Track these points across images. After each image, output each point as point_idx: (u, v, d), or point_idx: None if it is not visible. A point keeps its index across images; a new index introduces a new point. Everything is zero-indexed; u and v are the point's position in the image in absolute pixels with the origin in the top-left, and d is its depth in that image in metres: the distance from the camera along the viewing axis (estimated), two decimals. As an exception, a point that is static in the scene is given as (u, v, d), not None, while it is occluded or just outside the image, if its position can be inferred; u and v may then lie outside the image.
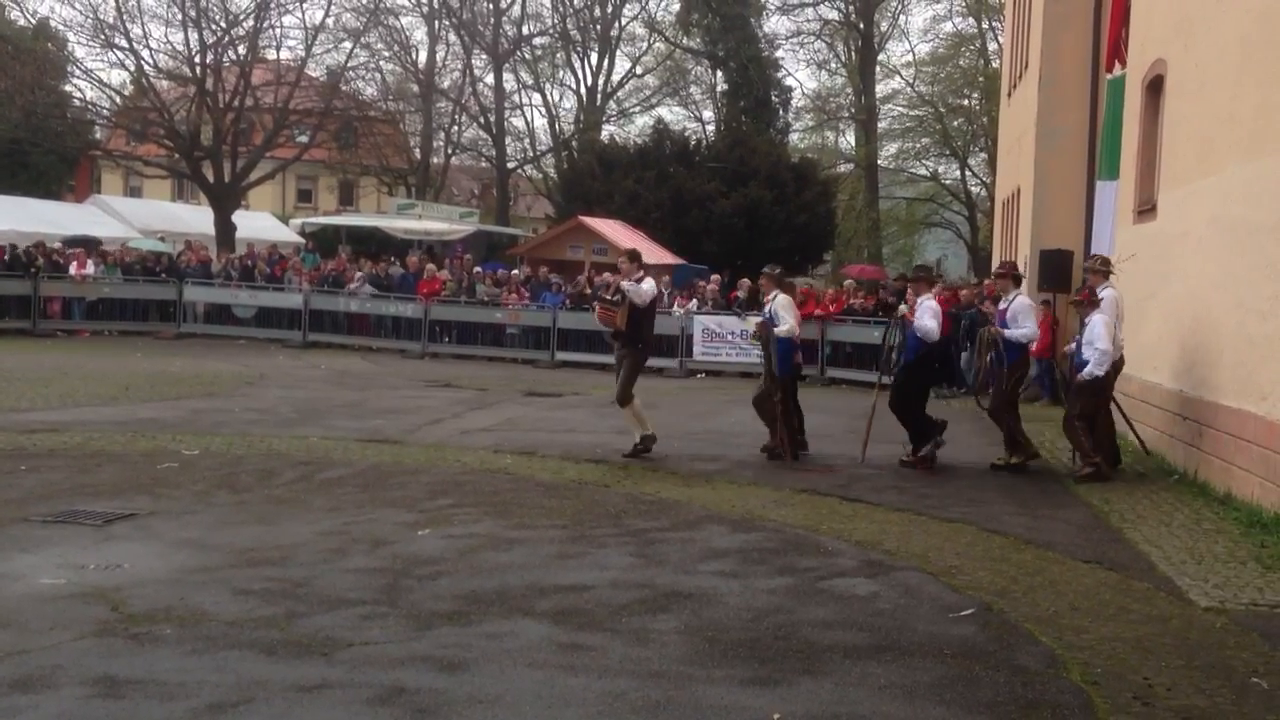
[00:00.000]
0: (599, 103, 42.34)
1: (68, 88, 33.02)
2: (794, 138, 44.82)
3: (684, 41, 42.60)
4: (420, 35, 40.01)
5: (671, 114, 44.47)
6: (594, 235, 27.78)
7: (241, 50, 30.60)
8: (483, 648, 5.54)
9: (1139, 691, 5.26)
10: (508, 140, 41.38)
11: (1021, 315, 11.44)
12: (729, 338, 21.16)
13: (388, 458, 10.80)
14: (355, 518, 8.28)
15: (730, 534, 8.25)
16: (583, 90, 42.43)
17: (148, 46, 30.22)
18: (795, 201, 32.86)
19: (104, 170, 46.51)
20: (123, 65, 30.76)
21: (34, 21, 32.18)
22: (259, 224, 35.85)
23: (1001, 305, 11.90)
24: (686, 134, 38.82)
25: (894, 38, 45.78)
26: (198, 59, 29.77)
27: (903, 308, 12.19)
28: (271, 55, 32.52)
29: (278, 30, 32.14)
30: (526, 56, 41.30)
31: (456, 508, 8.78)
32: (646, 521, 8.53)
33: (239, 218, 31.70)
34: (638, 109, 44.54)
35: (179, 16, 29.55)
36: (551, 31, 41.33)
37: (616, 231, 28.42)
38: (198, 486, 9.15)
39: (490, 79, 40.55)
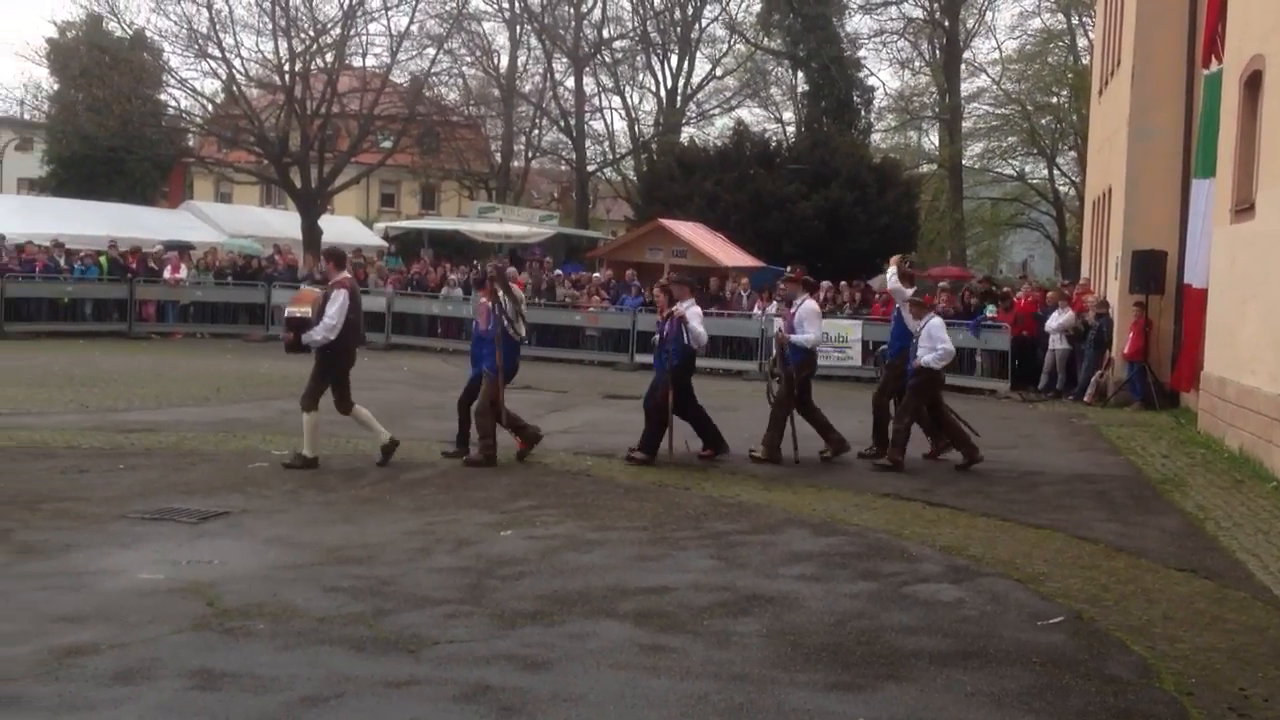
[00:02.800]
0: (679, 105, 42.35)
1: (162, 96, 33.95)
2: (876, 138, 44.40)
3: (765, 42, 42.43)
4: (502, 40, 40.45)
5: (751, 115, 44.32)
6: (674, 238, 27.80)
7: (329, 58, 31.20)
8: (566, 648, 5.58)
9: (1235, 702, 5.13)
10: (587, 143, 41.60)
11: (807, 320, 11.54)
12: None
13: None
14: (439, 518, 8.39)
15: (811, 538, 8.20)
16: (662, 92, 42.49)
17: (239, 55, 30.98)
18: (877, 203, 32.53)
19: (196, 176, 47.70)
20: (215, 74, 31.54)
21: (131, 33, 33.09)
22: (344, 228, 36.50)
23: (790, 310, 11.95)
24: (767, 135, 38.64)
25: (980, 35, 44.96)
26: (287, 67, 30.41)
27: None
28: (357, 63, 33.11)
29: (364, 38, 32.64)
30: (607, 59, 41.47)
31: (538, 509, 8.85)
32: (727, 524, 8.51)
33: (324, 222, 32.31)
34: (718, 111, 44.49)
35: (269, 26, 30.23)
36: (632, 34, 41.47)
37: (696, 234, 28.40)
38: (287, 486, 9.34)
39: (571, 82, 40.84)
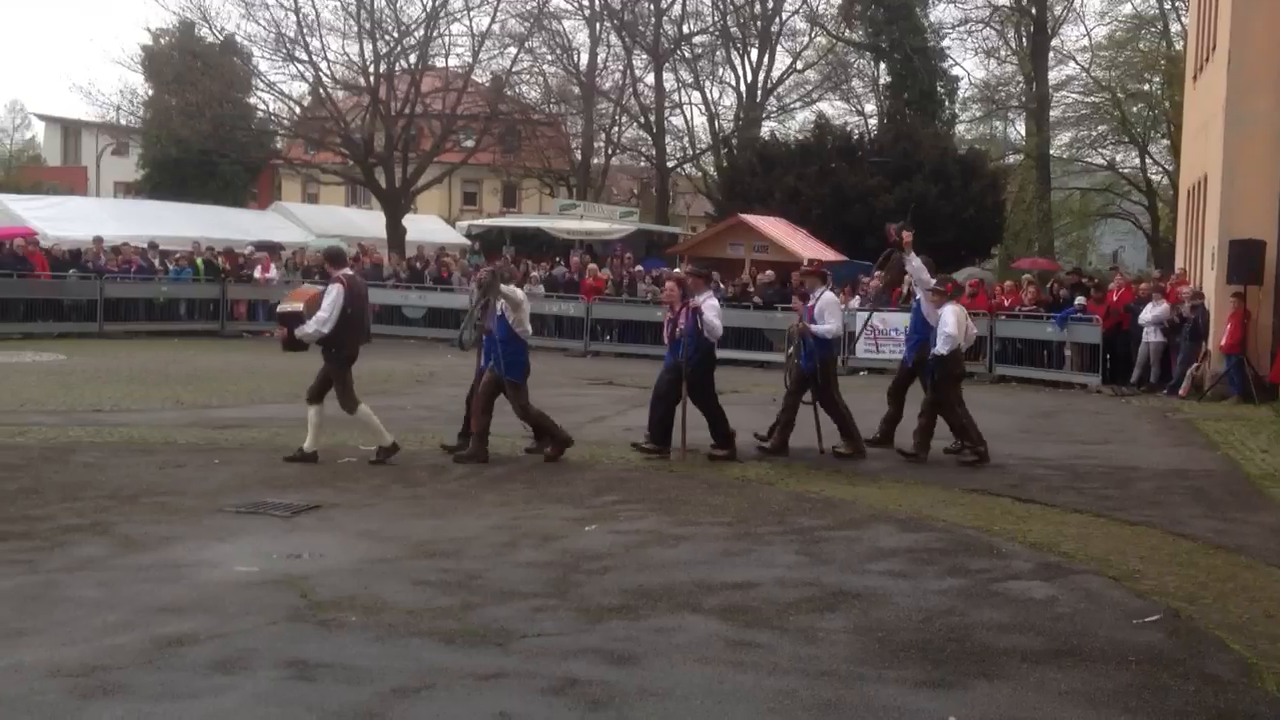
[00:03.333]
0: (759, 99, 42.10)
1: (252, 100, 34.72)
2: (961, 129, 43.67)
3: (846, 34, 42.00)
4: (582, 38, 40.52)
5: (833, 108, 43.87)
6: (754, 233, 27.68)
7: (412, 59, 31.62)
8: (652, 642, 5.59)
9: (1344, 706, 4.96)
10: (667, 139, 41.53)
11: (828, 311, 11.40)
12: (893, 335, 20.77)
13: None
14: (524, 513, 8.47)
15: (898, 533, 8.11)
16: (742, 87, 42.26)
17: (325, 58, 31.55)
18: (962, 195, 32.03)
19: (284, 178, 48.71)
20: (302, 77, 32.17)
21: (222, 38, 33.88)
22: (427, 227, 36.99)
23: (810, 302, 11.71)
24: (848, 128, 38.25)
25: (1068, 21, 43.99)
26: (371, 69, 30.89)
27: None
28: (440, 63, 33.50)
29: (446, 38, 32.98)
30: (686, 55, 41.36)
31: (622, 504, 8.88)
32: (811, 520, 8.46)
33: (408, 221, 32.77)
34: (798, 104, 44.14)
35: (355, 29, 30.73)
36: (712, 29, 41.30)
37: (777, 229, 28.24)
38: (375, 481, 9.50)
39: (650, 79, 40.81)
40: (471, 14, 32.31)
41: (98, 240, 24.37)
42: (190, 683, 4.89)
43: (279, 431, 11.80)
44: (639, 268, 25.80)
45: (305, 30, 30.43)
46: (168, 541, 7.30)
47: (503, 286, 10.49)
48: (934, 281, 11.51)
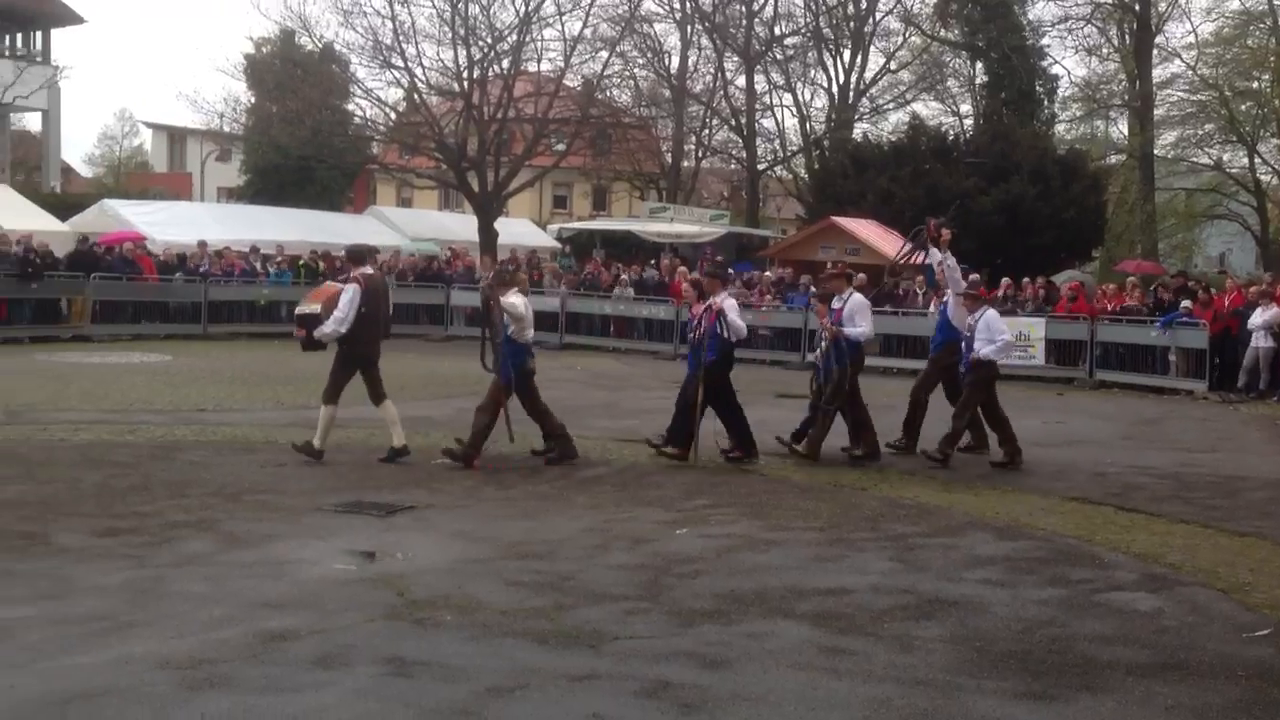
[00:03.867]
0: (851, 100, 41.67)
1: (349, 106, 35.39)
2: (1060, 129, 42.60)
3: (941, 34, 41.37)
4: (673, 41, 40.49)
5: (927, 109, 43.20)
6: (846, 236, 27.42)
7: (505, 64, 31.93)
8: (744, 647, 5.56)
9: None
10: (758, 141, 41.32)
11: (858, 313, 11.17)
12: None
13: (644, 457, 10.99)
14: (615, 515, 8.50)
15: (995, 541, 7.96)
16: (835, 88, 41.85)
17: (420, 65, 31.98)
18: (1062, 196, 31.30)
19: (379, 182, 49.56)
20: (398, 83, 32.67)
21: (320, 46, 34.62)
22: (519, 230, 37.32)
23: (836, 304, 11.39)
24: (943, 129, 37.63)
25: (1173, 18, 42.61)
26: (465, 74, 31.28)
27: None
28: (532, 68, 33.78)
29: (539, 43, 33.23)
30: (778, 57, 41.11)
31: (713, 508, 8.87)
32: (906, 526, 8.35)
33: (500, 224, 33.09)
34: (891, 105, 43.56)
35: (449, 35, 31.13)
36: (804, 30, 41.00)
37: (869, 231, 27.93)
38: (468, 482, 9.62)
39: (741, 81, 40.61)
40: (564, 19, 32.53)
41: (202, 244, 25.06)
42: (293, 677, 5.00)
43: (374, 432, 11.99)
44: (729, 271, 25.70)
45: (401, 37, 30.92)
46: (269, 539, 7.47)
47: (503, 300, 10.37)
48: (966, 284, 11.35)
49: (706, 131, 42.48)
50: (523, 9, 31.19)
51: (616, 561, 7.17)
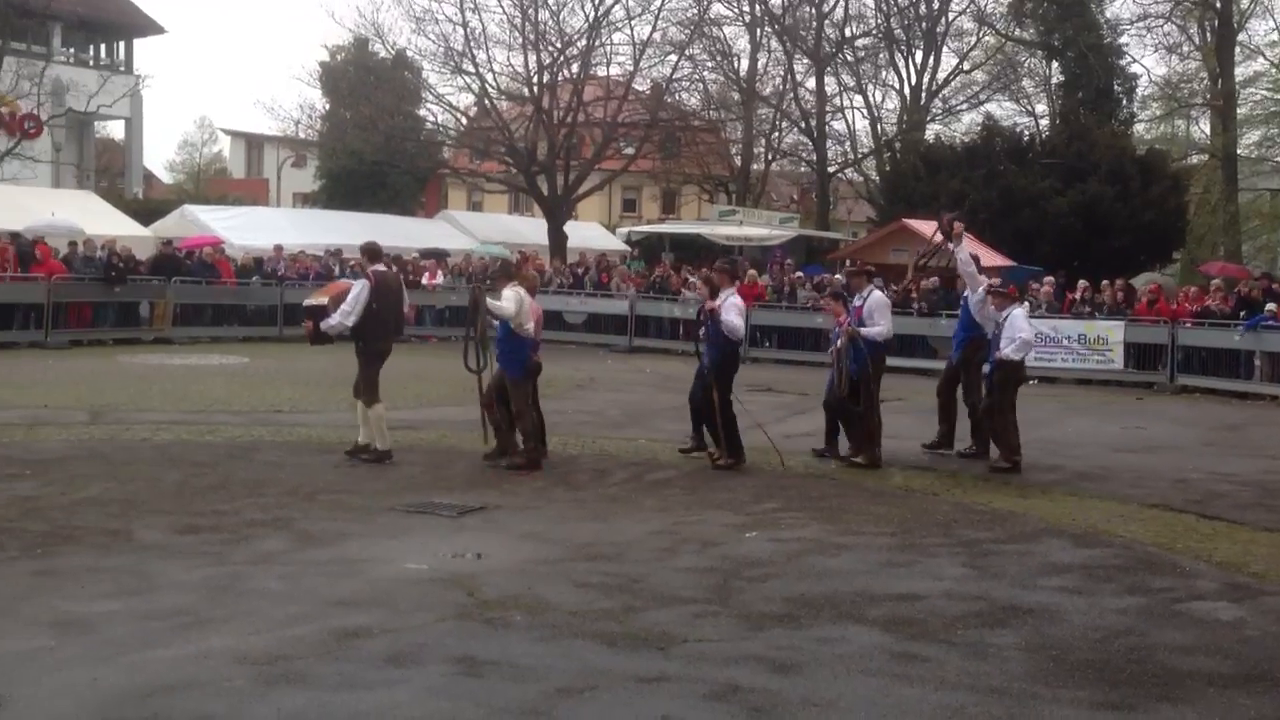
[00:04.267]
0: (923, 101, 41.23)
1: (421, 112, 35.86)
2: (1139, 128, 41.75)
3: (1016, 33, 40.77)
4: (742, 44, 40.37)
5: (1001, 109, 42.54)
6: (918, 238, 27.03)
7: (575, 68, 32.11)
8: (814, 651, 5.52)
9: None
10: (828, 143, 41.04)
11: (877, 312, 10.92)
12: (1064, 342, 20.07)
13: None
14: (684, 518, 8.48)
15: (1072, 548, 7.81)
16: (906, 90, 41.44)
17: (491, 70, 32.32)
18: (1141, 197, 30.66)
19: (450, 187, 50.09)
20: (469, 89, 33.04)
21: (393, 53, 35.10)
22: (588, 233, 37.49)
23: (856, 302, 11.14)
24: (1018, 129, 37.07)
25: (1256, 15, 41.54)
26: (535, 79, 31.51)
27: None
28: (602, 72, 33.92)
29: (608, 48, 33.39)
30: (849, 58, 40.82)
31: (782, 511, 8.82)
32: (979, 532, 8.23)
33: (569, 228, 33.28)
34: (965, 106, 43.01)
35: (520, 41, 31.39)
36: (875, 31, 40.67)
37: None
38: (538, 484, 9.67)
39: (811, 83, 40.37)
40: (633, 23, 32.64)
41: (277, 248, 25.51)
42: (366, 674, 5.06)
43: (445, 434, 12.14)
44: (799, 274, 25.59)
45: (472, 43, 31.26)
46: (343, 538, 7.58)
47: (489, 302, 10.30)
48: (987, 280, 11.22)
49: (776, 134, 42.30)
50: (592, 14, 31.38)
51: (685, 564, 7.16)
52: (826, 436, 11.35)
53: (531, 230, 36.16)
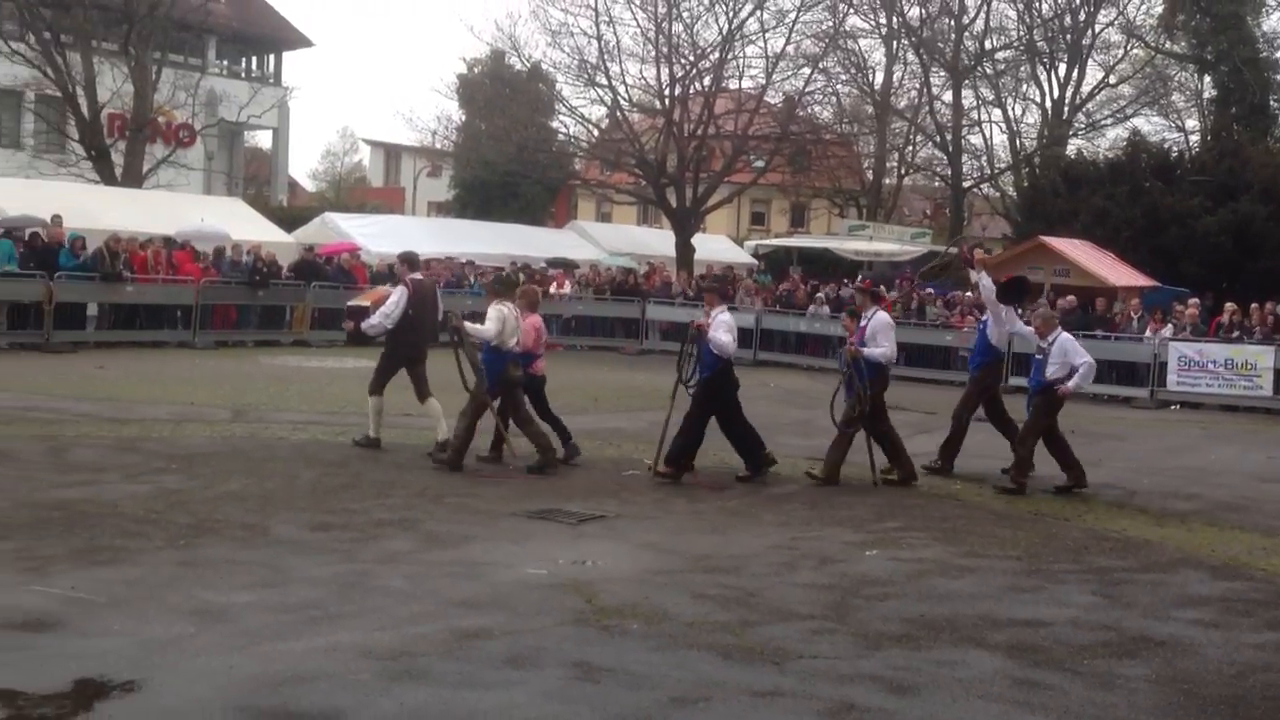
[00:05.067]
0: (1065, 116, 40.12)
1: (554, 124, 36.43)
2: (1295, 146, 39.91)
3: (1166, 45, 39.38)
4: (878, 57, 39.92)
5: (1149, 125, 41.09)
6: (1056, 256, 26.37)
7: (707, 81, 32.21)
8: (933, 674, 5.44)
9: None
10: (964, 158, 40.28)
11: (880, 333, 10.69)
12: (1209, 367, 19.30)
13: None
14: (803, 534, 8.43)
15: (1209, 580, 7.52)
16: (1048, 103, 40.36)
17: (624, 83, 32.66)
18: (1297, 216, 29.28)
19: (580, 197, 50.74)
20: (601, 101, 33.45)
21: (528, 66, 35.76)
22: (715, 246, 37.52)
23: (862, 322, 10.76)
24: (1166, 145, 35.79)
25: None
26: (667, 92, 31.71)
27: (698, 319, 10.94)
28: (734, 85, 33.94)
29: (740, 61, 33.41)
30: (988, 71, 39.98)
31: (904, 531, 8.69)
32: (1111, 560, 7.98)
33: (697, 240, 33.35)
34: (1109, 121, 41.68)
35: (653, 53, 31.64)
36: (1016, 44, 39.75)
37: (1081, 252, 26.78)
38: (657, 494, 9.72)
39: (948, 96, 39.69)
40: (766, 36, 32.60)
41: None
42: (485, 674, 5.17)
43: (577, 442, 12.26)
44: (929, 290, 25.15)
45: (606, 56, 31.64)
46: (466, 540, 7.75)
47: (468, 327, 10.61)
48: (1004, 307, 11.11)
49: (910, 148, 41.71)
50: (726, 27, 31.44)
51: (803, 580, 7.12)
52: (944, 450, 11.20)
53: (659, 242, 36.36)
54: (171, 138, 35.59)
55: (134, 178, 30.45)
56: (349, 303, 11.93)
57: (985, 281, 11.38)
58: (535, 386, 11.22)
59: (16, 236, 19.87)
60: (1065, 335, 10.88)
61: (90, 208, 24.18)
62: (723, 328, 10.43)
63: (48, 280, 18.77)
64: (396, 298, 11.11)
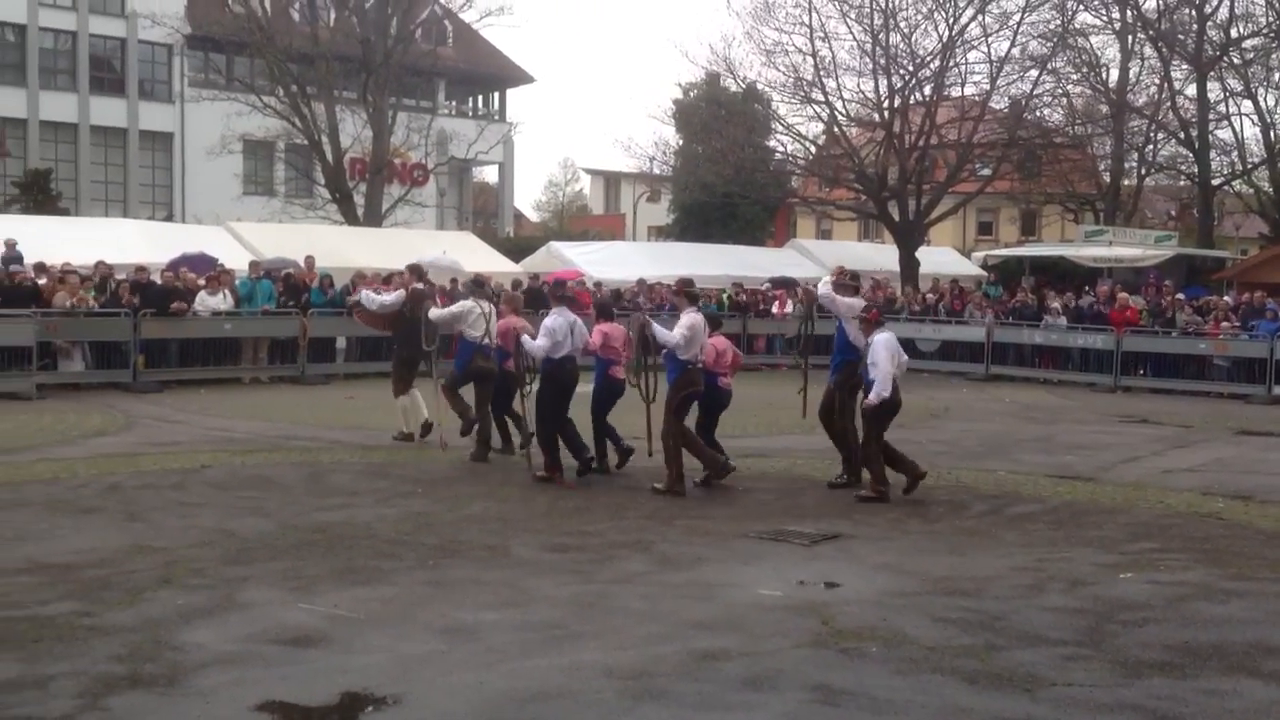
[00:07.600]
0: (1326, 103, 37.12)
1: (770, 143, 36.34)
2: None
3: None
4: (1112, 53, 37.96)
5: None
6: (1318, 253, 24.42)
7: (927, 90, 31.48)
8: (1201, 704, 5.10)
9: None
10: (1212, 154, 37.76)
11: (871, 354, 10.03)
12: None
13: (1081, 495, 10.38)
14: (1049, 555, 8.07)
15: None
16: (1305, 91, 37.47)
17: (840, 97, 32.27)
18: None
19: (799, 216, 50.46)
20: (818, 117, 33.16)
21: (744, 86, 35.87)
22: (941, 259, 36.54)
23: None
24: None
25: None
26: (886, 104, 31.16)
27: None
28: (956, 92, 33.05)
29: (963, 67, 32.45)
30: (1235, 61, 37.40)
31: (1161, 552, 8.19)
32: (1402, 584, 7.27)
33: (921, 253, 32.56)
34: (1374, 105, 38.35)
35: (870, 66, 31.17)
36: (1267, 30, 37.07)
37: (1348, 247, 24.69)
38: (891, 515, 9.50)
39: (1191, 90, 37.33)
40: (990, 40, 31.58)
41: (640, 282, 26.65)
42: (725, 695, 5.17)
43: (796, 461, 12.20)
44: (1179, 296, 23.69)
45: (822, 72, 31.37)
46: (699, 562, 7.78)
47: (433, 311, 12.12)
48: (861, 306, 10.47)
49: (1150, 147, 39.47)
50: (946, 34, 30.67)
51: (1052, 604, 6.80)
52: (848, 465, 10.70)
53: (882, 257, 35.69)
54: (406, 177, 37.58)
55: (374, 217, 32.31)
56: (358, 300, 14.04)
57: (824, 290, 11.05)
58: (720, 402, 11.22)
59: (275, 277, 21.38)
60: (877, 338, 10.03)
61: (336, 247, 25.82)
62: (683, 327, 10.40)
63: (302, 316, 20.10)
64: (396, 296, 13.04)
